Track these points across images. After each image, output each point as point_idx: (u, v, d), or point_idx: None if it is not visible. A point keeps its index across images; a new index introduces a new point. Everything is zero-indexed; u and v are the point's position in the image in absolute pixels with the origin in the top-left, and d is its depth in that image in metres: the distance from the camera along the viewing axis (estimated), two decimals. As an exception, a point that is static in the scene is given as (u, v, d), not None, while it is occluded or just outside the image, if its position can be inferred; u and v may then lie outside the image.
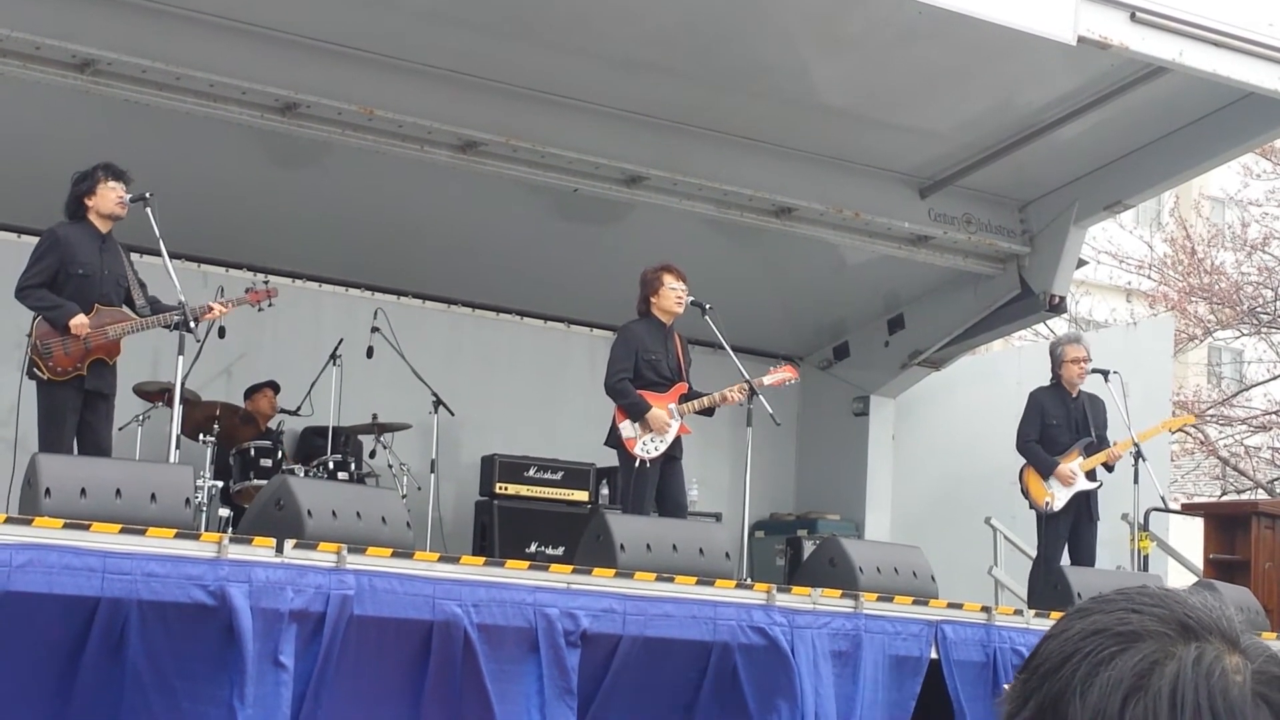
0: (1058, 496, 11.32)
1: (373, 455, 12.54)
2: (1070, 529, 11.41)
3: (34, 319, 9.11)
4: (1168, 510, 13.17)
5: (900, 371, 15.09)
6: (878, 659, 9.22)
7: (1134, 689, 1.29)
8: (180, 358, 9.15)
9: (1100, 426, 11.58)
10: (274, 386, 12.53)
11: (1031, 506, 11.50)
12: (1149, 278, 24.85)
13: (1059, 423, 11.50)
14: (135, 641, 7.11)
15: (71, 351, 9.00)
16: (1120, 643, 1.32)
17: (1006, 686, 1.38)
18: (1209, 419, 23.82)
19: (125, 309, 9.30)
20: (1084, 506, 11.43)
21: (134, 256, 9.64)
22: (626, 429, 10.09)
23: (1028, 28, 10.18)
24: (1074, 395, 11.60)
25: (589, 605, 8.31)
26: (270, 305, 9.98)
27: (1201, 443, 23.50)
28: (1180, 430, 20.08)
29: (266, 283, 10.20)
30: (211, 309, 9.33)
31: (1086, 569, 11.08)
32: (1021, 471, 11.50)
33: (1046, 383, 11.74)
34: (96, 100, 10.67)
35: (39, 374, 9.03)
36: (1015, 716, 1.36)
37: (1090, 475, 11.42)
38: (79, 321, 8.98)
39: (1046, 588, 10.74)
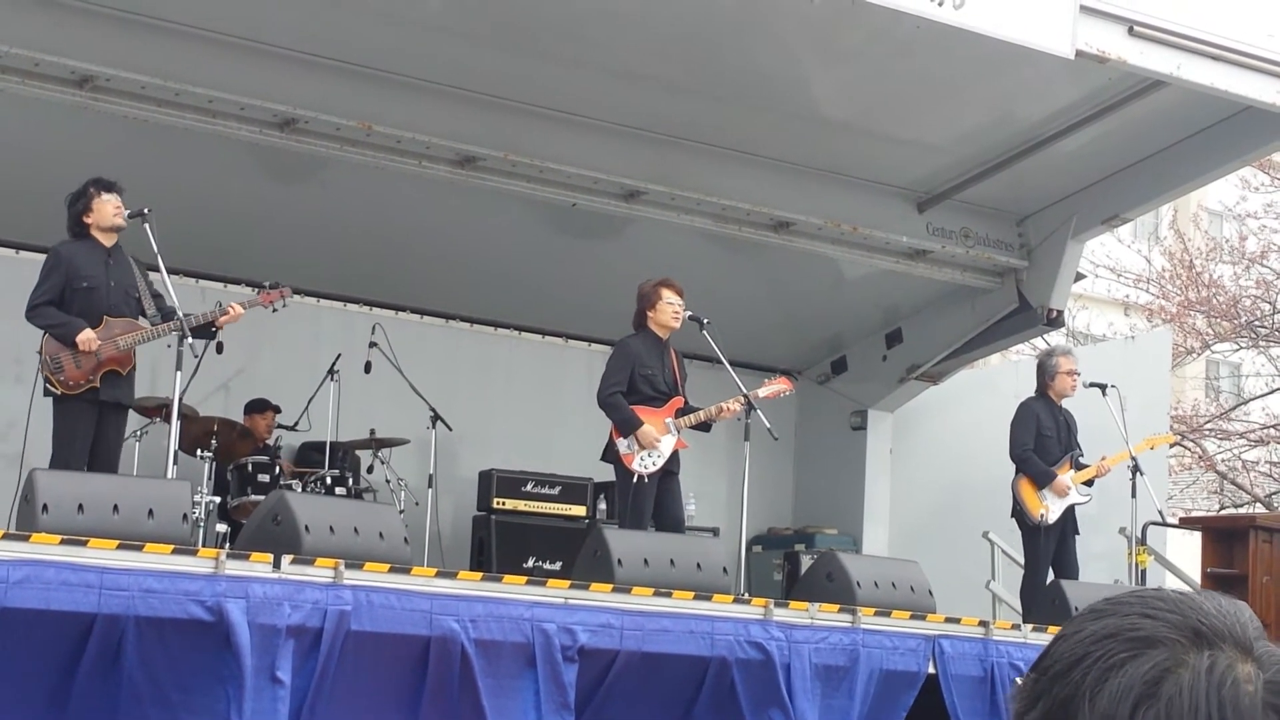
0: (1052, 509, 11.31)
1: (370, 470, 12.52)
2: (1057, 543, 11.40)
3: (43, 335, 9.12)
4: (1165, 524, 13.15)
5: (898, 385, 15.08)
6: (875, 674, 9.21)
7: (1144, 696, 1.28)
8: (178, 373, 9.15)
9: (1076, 442, 11.61)
10: (276, 409, 12.49)
11: (1021, 519, 11.45)
12: (1147, 291, 24.85)
13: (1051, 434, 11.50)
14: (132, 657, 7.10)
15: (83, 365, 9.01)
16: (1132, 648, 1.31)
17: (1019, 680, 1.36)
18: (1207, 433, 23.81)
19: (136, 320, 9.29)
20: (1069, 520, 11.45)
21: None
22: (624, 444, 10.08)
23: (1026, 42, 10.18)
24: (1059, 406, 11.62)
25: (586, 620, 8.30)
26: (285, 305, 9.93)
27: (1199, 457, 23.49)
28: (1175, 445, 20.09)
29: (278, 283, 10.06)
30: (228, 311, 9.30)
31: (1084, 583, 11.07)
32: (1015, 483, 11.47)
33: (1033, 394, 11.73)
34: (95, 116, 10.67)
35: (52, 389, 9.03)
36: (1024, 716, 1.34)
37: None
38: (86, 337, 8.98)
39: (1044, 602, 10.72)
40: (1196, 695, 1.27)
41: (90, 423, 9.04)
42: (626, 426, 10.05)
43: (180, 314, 9.11)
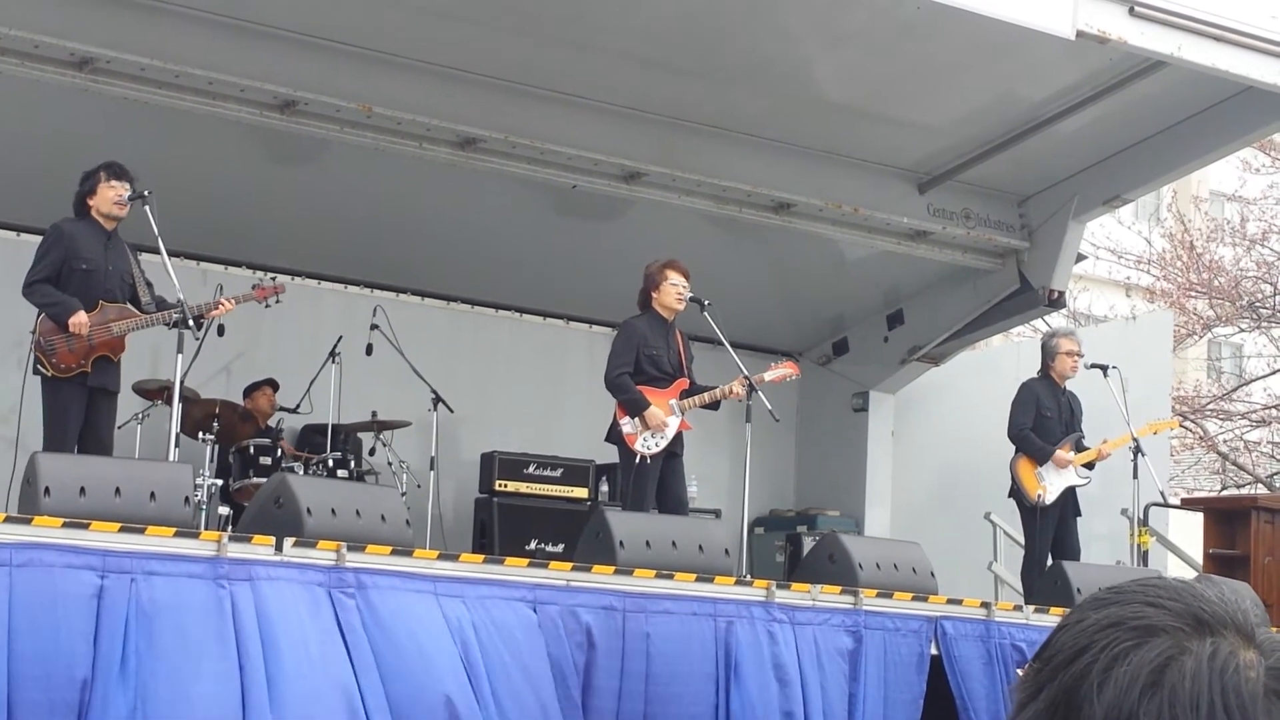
0: (1050, 489, 11.31)
1: (372, 453, 12.53)
2: (1056, 524, 11.41)
3: (38, 315, 9.10)
4: (1167, 505, 13.16)
5: (899, 367, 15.08)
6: (878, 655, 9.22)
7: (1149, 685, 1.29)
8: (180, 356, 9.14)
9: (1079, 425, 11.62)
10: (273, 384, 12.52)
11: (1020, 500, 11.46)
12: (1148, 273, 24.85)
13: (1051, 414, 11.51)
14: (135, 640, 7.09)
15: (76, 348, 8.99)
16: (1136, 637, 1.31)
17: (1020, 671, 1.37)
18: (1209, 414, 23.82)
19: (130, 306, 9.29)
20: (1070, 501, 11.45)
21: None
22: (627, 425, 10.09)
23: (1027, 22, 10.16)
24: (1063, 389, 11.62)
25: (589, 602, 8.31)
26: (278, 301, 9.95)
27: (1201, 438, 23.50)
28: (1177, 427, 20.09)
29: (274, 279, 10.13)
30: (219, 305, 9.31)
31: (1085, 565, 11.08)
32: (1013, 463, 11.48)
33: (1036, 374, 11.75)
34: (95, 98, 10.65)
35: (43, 370, 9.01)
36: (1027, 706, 1.35)
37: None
38: (78, 320, 8.95)
39: (1045, 584, 10.73)
40: (1199, 682, 1.27)
41: (80, 406, 9.03)
42: (634, 407, 10.07)
43: (182, 299, 9.10)
